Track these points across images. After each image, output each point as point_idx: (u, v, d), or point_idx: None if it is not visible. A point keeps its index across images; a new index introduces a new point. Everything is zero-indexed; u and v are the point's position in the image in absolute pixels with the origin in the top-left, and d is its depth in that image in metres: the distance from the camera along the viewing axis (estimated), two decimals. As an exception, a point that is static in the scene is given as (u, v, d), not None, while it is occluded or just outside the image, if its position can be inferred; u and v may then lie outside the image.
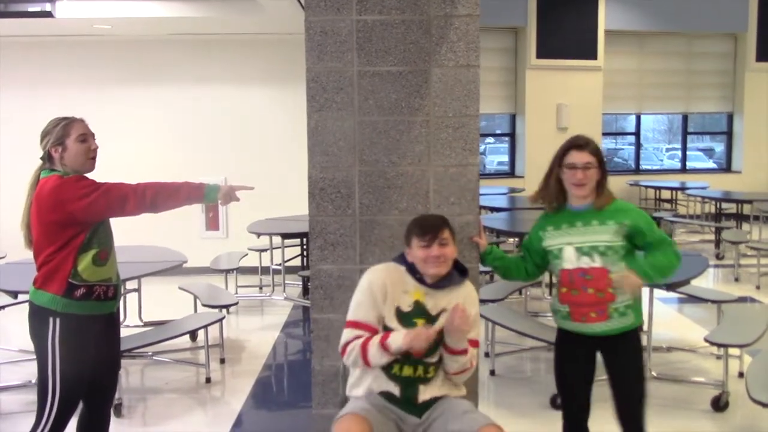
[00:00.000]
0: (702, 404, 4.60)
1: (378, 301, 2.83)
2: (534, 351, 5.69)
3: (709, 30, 12.41)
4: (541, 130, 11.74)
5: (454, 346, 2.82)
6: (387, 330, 2.81)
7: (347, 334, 2.84)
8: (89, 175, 3.03)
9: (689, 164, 13.44)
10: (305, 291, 7.66)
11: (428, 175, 3.30)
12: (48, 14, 7.04)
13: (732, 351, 4.84)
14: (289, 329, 6.65)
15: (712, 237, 10.50)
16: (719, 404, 4.55)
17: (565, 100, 11.78)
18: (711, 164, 13.85)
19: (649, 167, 13.91)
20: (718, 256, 9.46)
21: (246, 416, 4.64)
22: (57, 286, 2.95)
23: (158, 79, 8.70)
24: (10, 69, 8.56)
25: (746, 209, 10.79)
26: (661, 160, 15.21)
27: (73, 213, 2.89)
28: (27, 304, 3.06)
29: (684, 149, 13.31)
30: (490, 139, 13.30)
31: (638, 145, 13.05)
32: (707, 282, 8.04)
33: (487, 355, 5.43)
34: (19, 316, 3.38)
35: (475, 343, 2.92)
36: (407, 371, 2.83)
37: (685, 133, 13.20)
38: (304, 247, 8.00)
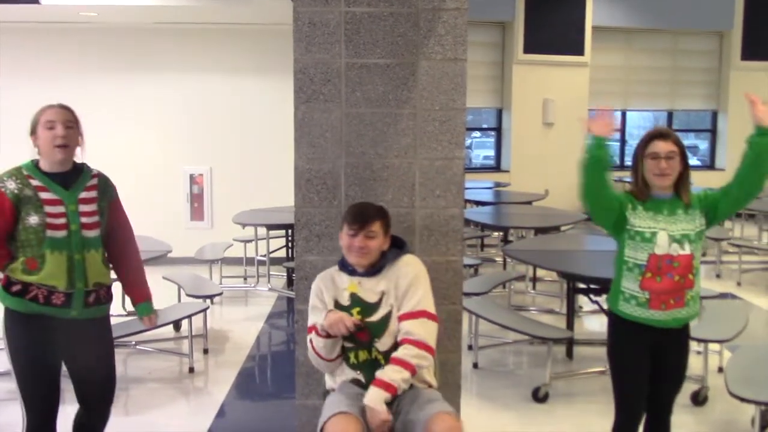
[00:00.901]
0: (682, 398, 4.61)
1: (324, 302, 2.97)
2: (517, 344, 5.72)
3: (695, 27, 12.48)
4: (528, 124, 11.79)
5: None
6: None
7: (308, 339, 2.99)
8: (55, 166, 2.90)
9: (673, 161, 13.48)
10: (290, 282, 7.67)
11: (414, 168, 3.32)
12: (34, 0, 6.98)
13: (712, 346, 4.89)
14: (273, 320, 6.65)
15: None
16: (698, 398, 4.61)
17: (551, 95, 11.82)
18: (695, 161, 13.95)
19: (633, 163, 13.94)
20: (700, 253, 9.53)
21: (229, 406, 4.64)
22: (4, 277, 2.89)
23: (144, 68, 8.63)
24: (-7, 55, 8.48)
25: (729, 206, 10.87)
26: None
27: None
28: None
29: (668, 146, 13.35)
30: (477, 133, 13.32)
31: (623, 142, 13.11)
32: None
33: (470, 348, 5.45)
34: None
35: (424, 314, 2.89)
36: (363, 356, 2.92)
37: (670, 130, 13.26)
38: (289, 238, 7.99)
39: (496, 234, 9.39)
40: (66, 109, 2.94)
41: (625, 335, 3.12)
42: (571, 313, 5.46)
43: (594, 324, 6.42)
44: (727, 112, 12.63)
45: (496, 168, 12.31)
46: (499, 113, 12.24)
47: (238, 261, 8.14)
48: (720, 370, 5.02)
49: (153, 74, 8.66)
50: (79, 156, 3.01)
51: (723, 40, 12.64)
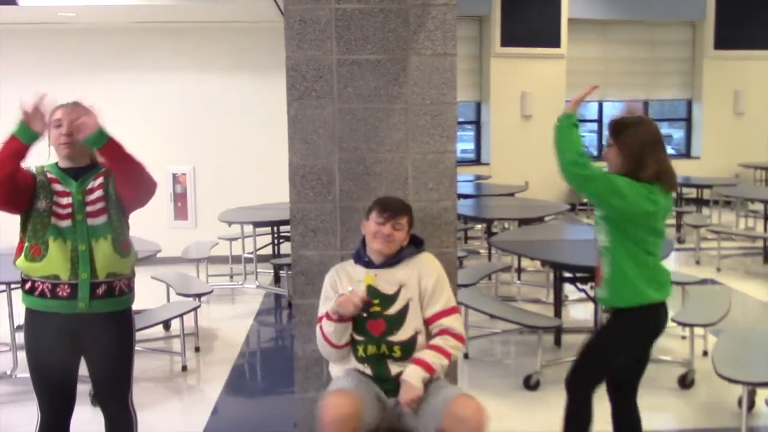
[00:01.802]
0: (669, 382, 4.75)
1: (338, 293, 2.99)
2: (506, 334, 5.79)
3: (669, 18, 12.65)
4: (506, 117, 11.89)
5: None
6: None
7: (317, 328, 3.02)
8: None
9: (650, 150, 13.64)
10: (277, 279, 7.69)
11: (407, 162, 3.36)
12: (12, 1, 6.92)
13: (697, 331, 5.00)
14: (262, 317, 6.67)
15: (673, 221, 10.74)
16: (685, 382, 4.72)
17: (529, 87, 11.92)
18: (670, 150, 14.13)
19: (610, 153, 14.08)
20: (679, 240, 9.69)
21: (223, 403, 4.66)
22: (20, 276, 2.93)
23: (124, 68, 8.56)
24: (-30, 57, 8.39)
25: (706, 194, 11.06)
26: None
27: None
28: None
29: (645, 136, 13.50)
30: (456, 127, 13.40)
31: (600, 132, 13.24)
32: (670, 265, 8.22)
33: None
34: None
35: (455, 310, 3.01)
36: (371, 350, 2.94)
37: (646, 120, 13.41)
38: (275, 235, 8.01)
39: (479, 226, 9.47)
40: (77, 107, 3.01)
41: (645, 321, 3.07)
42: (559, 302, 5.54)
43: (580, 312, 6.51)
44: (702, 100, 12.82)
45: (476, 161, 12.40)
46: (478, 106, 12.33)
47: (223, 260, 8.14)
48: (705, 353, 5.13)
49: (134, 74, 8.59)
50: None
51: (696, 30, 12.83)
